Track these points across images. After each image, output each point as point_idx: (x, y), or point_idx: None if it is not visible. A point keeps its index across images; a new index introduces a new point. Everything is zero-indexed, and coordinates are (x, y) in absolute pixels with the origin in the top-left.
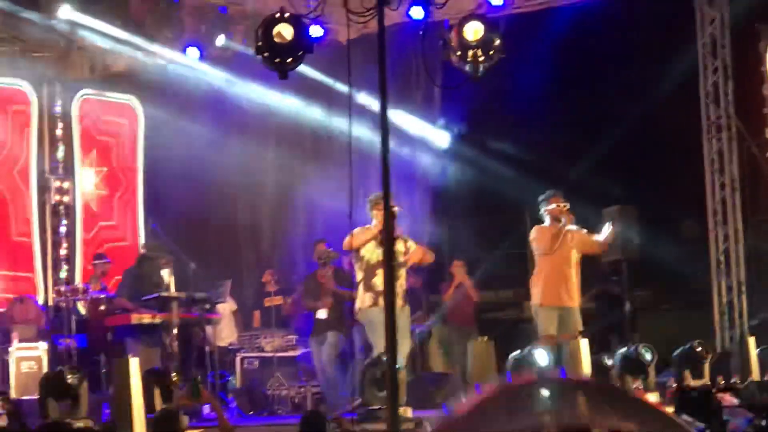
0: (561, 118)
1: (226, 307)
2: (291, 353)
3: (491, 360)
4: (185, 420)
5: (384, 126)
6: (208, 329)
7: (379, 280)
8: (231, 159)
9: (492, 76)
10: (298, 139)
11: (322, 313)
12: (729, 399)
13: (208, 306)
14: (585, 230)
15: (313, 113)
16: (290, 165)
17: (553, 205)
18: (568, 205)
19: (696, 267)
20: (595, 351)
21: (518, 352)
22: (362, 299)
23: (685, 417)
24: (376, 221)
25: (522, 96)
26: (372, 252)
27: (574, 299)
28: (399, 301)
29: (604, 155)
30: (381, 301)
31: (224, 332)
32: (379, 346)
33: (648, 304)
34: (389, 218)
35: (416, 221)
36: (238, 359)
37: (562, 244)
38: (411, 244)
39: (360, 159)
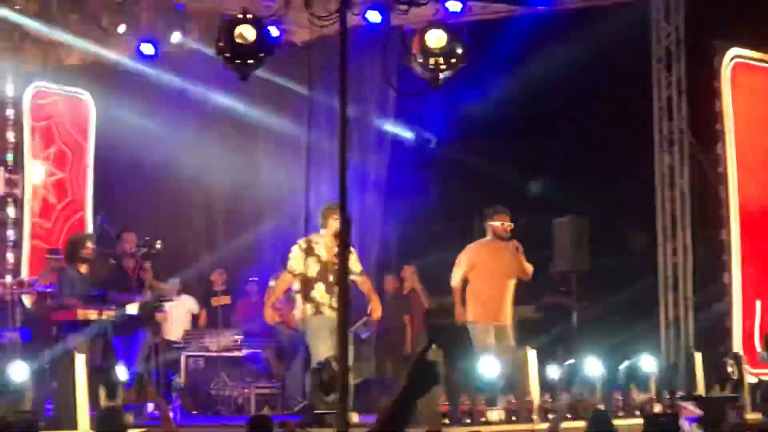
0: (514, 127)
1: (180, 305)
2: (236, 353)
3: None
4: (130, 418)
5: (342, 132)
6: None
7: (317, 293)
8: (184, 155)
9: (448, 83)
10: (252, 139)
11: (133, 308)
12: (692, 409)
13: (155, 304)
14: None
15: (265, 113)
16: (245, 163)
17: (498, 223)
18: (512, 226)
19: (644, 280)
20: (542, 362)
21: (463, 360)
22: (303, 309)
23: None
24: (325, 229)
25: (476, 104)
26: (309, 267)
27: (508, 316)
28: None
29: (555, 166)
30: (324, 309)
31: (171, 329)
32: (320, 351)
33: (595, 316)
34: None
35: (368, 223)
36: (183, 358)
37: (500, 262)
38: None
39: (311, 158)
